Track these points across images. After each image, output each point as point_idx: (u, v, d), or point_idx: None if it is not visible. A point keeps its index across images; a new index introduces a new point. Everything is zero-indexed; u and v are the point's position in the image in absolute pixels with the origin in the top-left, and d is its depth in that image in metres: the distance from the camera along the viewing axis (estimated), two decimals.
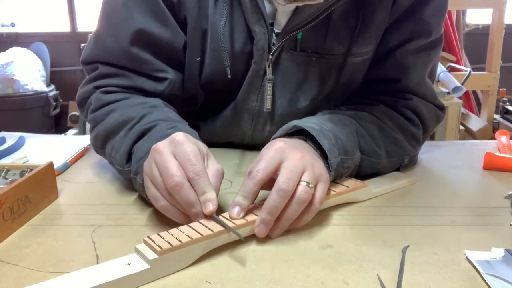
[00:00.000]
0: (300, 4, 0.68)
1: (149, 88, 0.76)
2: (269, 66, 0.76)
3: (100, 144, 0.73)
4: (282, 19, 0.75)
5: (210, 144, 0.86)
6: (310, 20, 0.72)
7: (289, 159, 0.56)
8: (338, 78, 0.79)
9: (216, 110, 0.85)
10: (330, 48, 0.77)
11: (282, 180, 0.54)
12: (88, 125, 0.79)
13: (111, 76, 0.76)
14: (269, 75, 0.76)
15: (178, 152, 0.54)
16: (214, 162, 0.58)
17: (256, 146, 0.85)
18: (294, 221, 0.56)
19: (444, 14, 0.80)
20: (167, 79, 0.76)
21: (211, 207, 0.52)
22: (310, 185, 0.55)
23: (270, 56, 0.75)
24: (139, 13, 0.73)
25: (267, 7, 0.74)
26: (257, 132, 0.84)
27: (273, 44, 0.75)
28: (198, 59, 0.77)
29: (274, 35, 0.75)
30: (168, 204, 0.54)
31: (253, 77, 0.77)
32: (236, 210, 0.54)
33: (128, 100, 0.73)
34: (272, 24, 0.75)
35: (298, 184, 0.54)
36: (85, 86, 0.78)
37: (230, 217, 0.54)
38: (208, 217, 0.53)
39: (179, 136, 0.56)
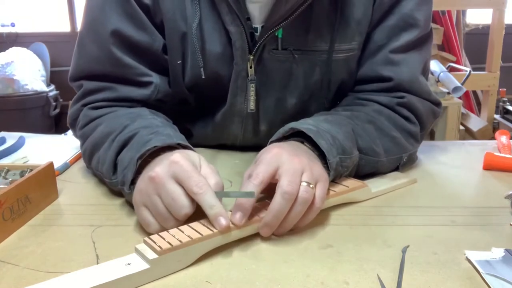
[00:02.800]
0: None
1: (136, 95, 0.76)
2: (251, 67, 0.76)
3: (88, 159, 0.73)
4: (254, 12, 0.74)
5: (202, 147, 0.87)
6: (288, 16, 0.72)
7: (287, 163, 0.56)
8: (323, 75, 0.79)
9: (206, 114, 0.84)
10: (312, 45, 0.77)
11: (285, 183, 0.53)
12: None
13: (97, 91, 0.76)
14: (251, 75, 0.76)
15: (177, 173, 0.53)
16: (209, 167, 0.58)
17: (249, 148, 0.85)
18: (297, 221, 0.56)
19: (430, 7, 0.79)
20: (152, 83, 0.76)
21: (223, 222, 0.51)
22: (311, 185, 0.55)
23: (251, 57, 0.75)
24: (115, 16, 0.73)
25: (242, 4, 0.73)
26: (247, 134, 0.84)
27: (254, 45, 0.75)
28: (179, 62, 0.77)
29: (255, 32, 0.75)
30: (160, 228, 0.54)
31: (237, 78, 0.77)
32: (238, 215, 0.53)
33: (114, 113, 0.73)
34: (249, 19, 0.74)
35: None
36: (74, 106, 0.79)
37: (232, 223, 0.53)
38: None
39: (175, 156, 0.55)
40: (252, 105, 0.78)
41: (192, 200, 0.53)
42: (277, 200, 0.53)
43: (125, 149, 0.64)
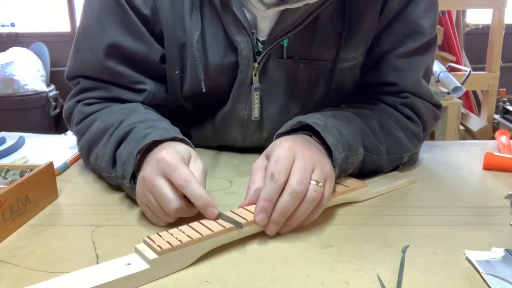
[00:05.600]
0: (279, 9, 0.67)
1: (129, 98, 0.77)
2: (255, 75, 0.75)
3: (86, 155, 0.74)
4: (264, 26, 0.74)
5: (202, 147, 0.87)
6: (294, 26, 0.72)
7: (300, 159, 0.56)
8: (327, 84, 0.79)
9: (205, 118, 0.84)
10: (317, 54, 0.76)
11: (295, 182, 0.54)
12: None
13: (92, 89, 0.77)
14: (255, 84, 0.76)
15: (164, 169, 0.55)
16: (197, 162, 0.59)
17: (248, 149, 0.85)
18: (303, 219, 0.56)
19: (436, 13, 0.79)
20: (146, 90, 0.77)
21: (213, 211, 0.53)
22: (320, 184, 0.55)
23: (256, 65, 0.75)
24: (112, 28, 0.73)
25: (247, 15, 0.73)
26: (247, 138, 0.84)
27: (258, 53, 0.75)
28: (176, 72, 0.77)
29: (259, 43, 0.75)
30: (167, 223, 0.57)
31: (240, 86, 0.77)
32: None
33: (109, 108, 0.74)
34: (254, 33, 0.74)
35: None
36: (69, 101, 0.80)
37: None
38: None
39: (161, 153, 0.56)
40: (256, 113, 0.78)
41: (181, 195, 0.54)
42: (285, 198, 0.53)
43: (123, 144, 0.65)
